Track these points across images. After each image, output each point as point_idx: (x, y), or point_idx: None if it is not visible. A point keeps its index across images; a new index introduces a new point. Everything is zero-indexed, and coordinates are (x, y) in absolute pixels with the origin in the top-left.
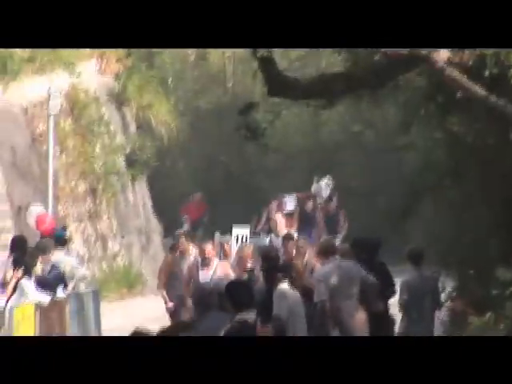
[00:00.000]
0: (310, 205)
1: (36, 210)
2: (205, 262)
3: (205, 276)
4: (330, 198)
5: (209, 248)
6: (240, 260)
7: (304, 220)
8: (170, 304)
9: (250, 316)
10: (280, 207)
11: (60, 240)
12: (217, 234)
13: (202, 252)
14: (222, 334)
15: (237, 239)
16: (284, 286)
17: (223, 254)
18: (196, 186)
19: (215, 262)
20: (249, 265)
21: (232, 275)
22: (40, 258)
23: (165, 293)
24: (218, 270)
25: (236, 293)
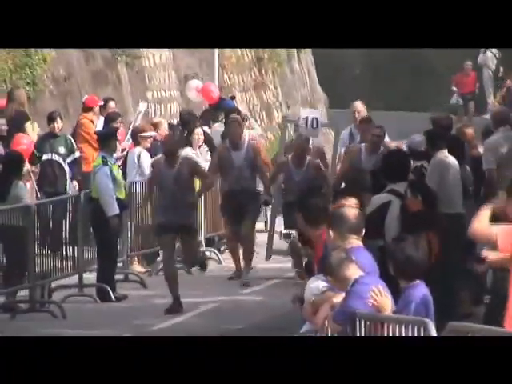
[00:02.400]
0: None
1: (195, 82)
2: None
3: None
4: (497, 69)
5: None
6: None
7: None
8: None
9: (401, 187)
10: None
11: (230, 110)
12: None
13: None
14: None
15: (306, 123)
16: (443, 155)
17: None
18: (361, 57)
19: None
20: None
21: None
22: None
23: None
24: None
25: (392, 162)
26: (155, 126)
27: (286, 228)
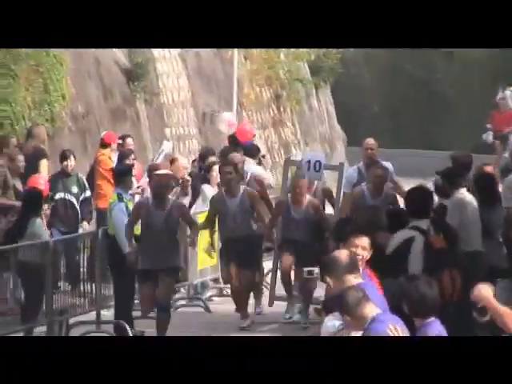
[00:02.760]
0: None
1: (227, 115)
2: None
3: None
4: None
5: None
6: (294, 193)
7: None
8: None
9: (424, 224)
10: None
11: (252, 149)
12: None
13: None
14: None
15: (308, 166)
16: (462, 194)
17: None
18: (380, 94)
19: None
20: (305, 200)
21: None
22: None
23: None
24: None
25: (416, 199)
26: (170, 163)
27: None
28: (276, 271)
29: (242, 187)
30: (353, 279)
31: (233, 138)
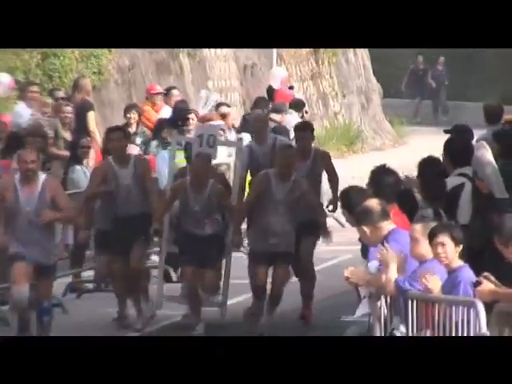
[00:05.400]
0: None
1: (278, 71)
2: None
3: None
4: None
5: None
6: None
7: None
8: None
9: (468, 170)
10: None
11: (297, 103)
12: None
13: None
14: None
15: (201, 141)
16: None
17: None
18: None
19: None
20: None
21: None
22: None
23: None
24: None
25: (456, 147)
26: (223, 117)
27: (181, 264)
28: (162, 265)
29: (133, 155)
30: (388, 225)
31: (269, 92)
